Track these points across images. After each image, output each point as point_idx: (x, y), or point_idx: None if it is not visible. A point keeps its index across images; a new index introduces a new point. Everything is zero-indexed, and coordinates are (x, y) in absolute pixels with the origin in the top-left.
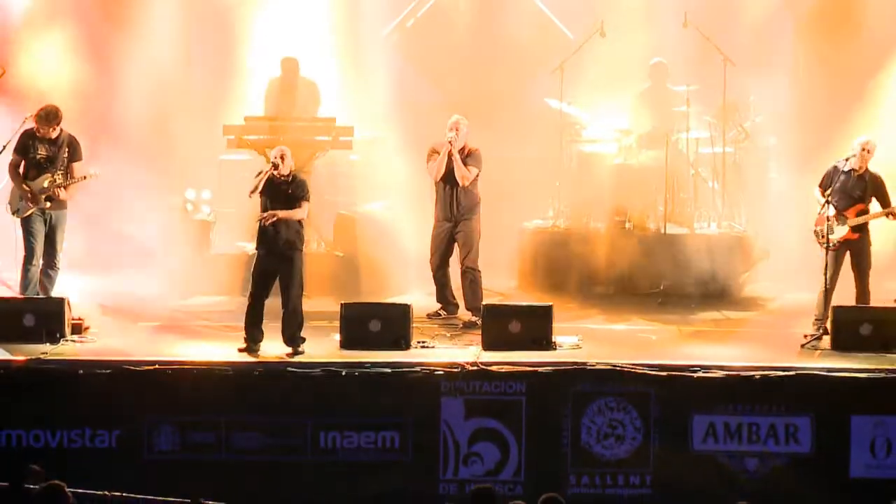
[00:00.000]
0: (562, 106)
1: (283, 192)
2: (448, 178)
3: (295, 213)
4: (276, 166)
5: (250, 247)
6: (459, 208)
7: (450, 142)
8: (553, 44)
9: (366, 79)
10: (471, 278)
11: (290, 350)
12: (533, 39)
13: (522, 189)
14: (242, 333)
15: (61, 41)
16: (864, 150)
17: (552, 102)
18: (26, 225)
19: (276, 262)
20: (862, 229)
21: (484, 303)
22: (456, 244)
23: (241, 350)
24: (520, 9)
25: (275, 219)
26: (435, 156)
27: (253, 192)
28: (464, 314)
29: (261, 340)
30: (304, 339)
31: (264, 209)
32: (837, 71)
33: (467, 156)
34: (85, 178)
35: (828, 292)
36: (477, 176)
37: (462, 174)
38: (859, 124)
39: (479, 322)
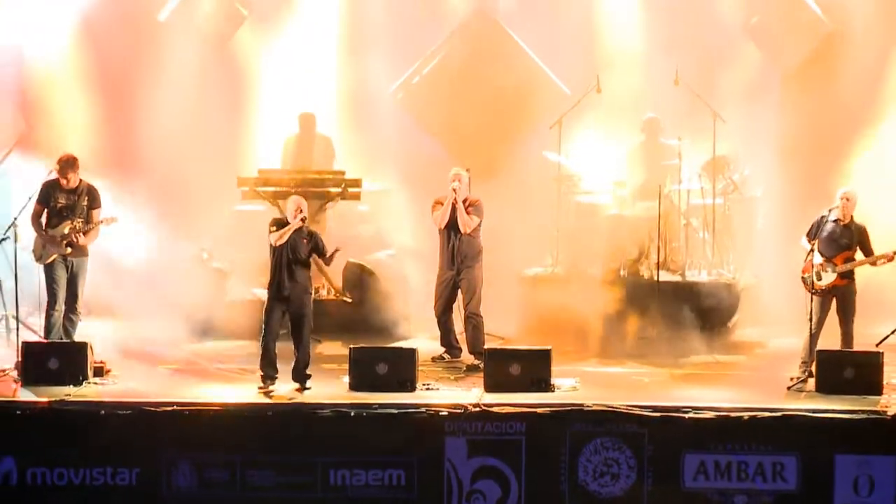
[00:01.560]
0: (560, 159)
1: (301, 241)
2: (451, 228)
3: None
4: (304, 220)
5: (262, 293)
6: (462, 256)
7: (453, 189)
8: (551, 99)
9: (374, 133)
10: (473, 324)
11: (298, 386)
12: (532, 95)
13: (522, 238)
14: (258, 374)
15: (83, 99)
16: (845, 199)
17: (551, 156)
18: (49, 271)
19: (289, 306)
20: (849, 276)
21: (485, 347)
22: (459, 291)
23: (260, 389)
24: (519, 66)
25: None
26: (439, 206)
27: (280, 242)
28: (467, 358)
29: (276, 378)
30: (310, 376)
31: (278, 257)
32: (821, 125)
33: (469, 206)
34: (103, 222)
35: (813, 337)
36: (479, 225)
37: (465, 222)
38: (842, 176)
39: (482, 365)
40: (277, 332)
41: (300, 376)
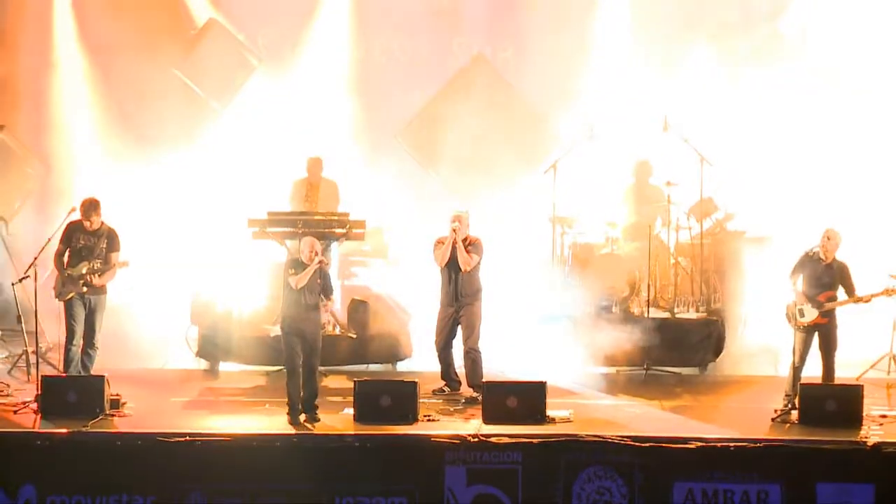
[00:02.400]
0: (555, 201)
1: (315, 281)
2: (452, 266)
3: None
4: (322, 262)
5: (274, 329)
6: (462, 294)
7: (454, 230)
8: (546, 143)
9: (378, 173)
10: (473, 358)
11: (306, 417)
12: (528, 139)
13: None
14: (286, 417)
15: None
16: (826, 238)
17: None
18: (68, 308)
19: (303, 341)
20: (830, 314)
21: (484, 380)
22: (459, 326)
23: (290, 421)
24: (517, 114)
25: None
26: (440, 245)
27: (301, 284)
28: (466, 390)
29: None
30: (317, 407)
31: (294, 295)
32: (808, 167)
33: (469, 245)
34: (119, 265)
35: (797, 371)
36: (478, 263)
37: (465, 261)
38: (828, 216)
39: (480, 398)
40: (299, 367)
41: (309, 407)
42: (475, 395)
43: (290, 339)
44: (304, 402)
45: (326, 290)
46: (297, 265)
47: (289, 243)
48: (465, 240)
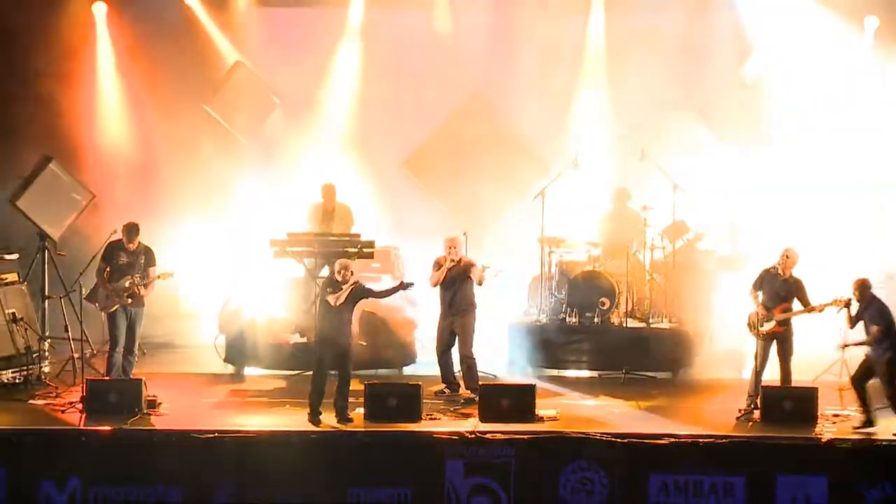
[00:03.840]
0: (543, 223)
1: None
2: (447, 285)
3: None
4: (356, 282)
5: (293, 338)
6: (457, 307)
7: (451, 259)
8: (536, 173)
9: (386, 198)
10: (468, 364)
11: (340, 418)
12: (520, 169)
13: (510, 291)
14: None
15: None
16: (785, 256)
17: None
18: (111, 319)
19: (337, 351)
20: (786, 323)
21: (480, 383)
22: (455, 336)
23: (310, 420)
24: (509, 145)
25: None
26: (438, 267)
27: (339, 302)
28: (464, 392)
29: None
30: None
31: (330, 310)
32: (768, 192)
33: (464, 265)
34: (160, 277)
35: (758, 374)
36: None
37: (479, 278)
38: (786, 236)
39: (476, 399)
40: (326, 375)
41: (343, 408)
42: (472, 396)
43: (322, 351)
44: (339, 408)
45: (378, 294)
46: (334, 285)
47: (307, 261)
48: (459, 261)
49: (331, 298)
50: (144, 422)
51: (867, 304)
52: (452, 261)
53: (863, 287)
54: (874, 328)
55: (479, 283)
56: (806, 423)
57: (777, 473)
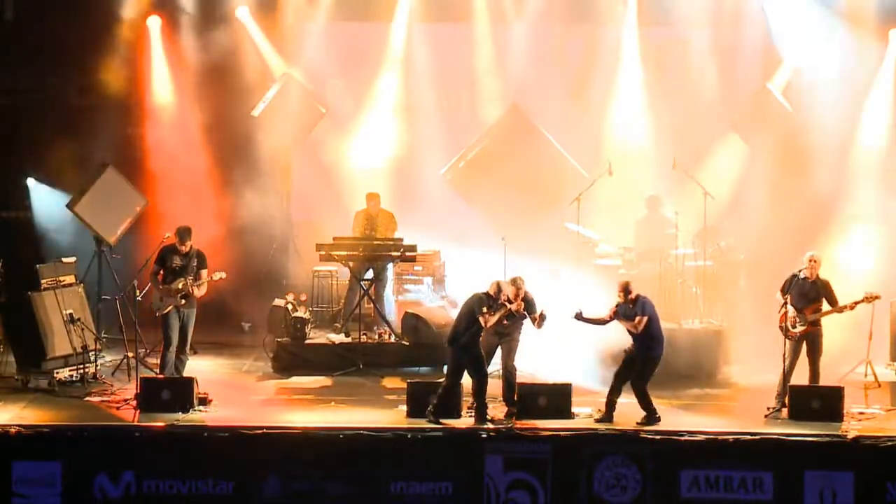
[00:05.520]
0: (579, 229)
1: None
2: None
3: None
4: (508, 308)
5: (336, 337)
6: (507, 330)
7: (516, 301)
8: (572, 180)
9: (428, 207)
10: (510, 375)
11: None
12: (556, 177)
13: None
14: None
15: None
16: (811, 261)
17: (571, 226)
18: (164, 320)
19: (476, 359)
20: (816, 324)
21: (518, 381)
22: (500, 348)
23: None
24: (546, 153)
25: None
26: (493, 306)
27: (490, 324)
28: (505, 407)
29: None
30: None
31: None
32: (794, 201)
33: (524, 300)
34: (212, 279)
35: (787, 374)
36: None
37: (539, 326)
38: (810, 242)
39: (515, 411)
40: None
41: (482, 404)
42: (513, 410)
43: (458, 356)
44: (478, 405)
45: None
46: (493, 304)
47: (351, 264)
48: (522, 298)
49: (481, 319)
50: (196, 418)
51: None
52: (510, 303)
53: None
54: None
55: (539, 328)
56: (833, 420)
57: (805, 469)
